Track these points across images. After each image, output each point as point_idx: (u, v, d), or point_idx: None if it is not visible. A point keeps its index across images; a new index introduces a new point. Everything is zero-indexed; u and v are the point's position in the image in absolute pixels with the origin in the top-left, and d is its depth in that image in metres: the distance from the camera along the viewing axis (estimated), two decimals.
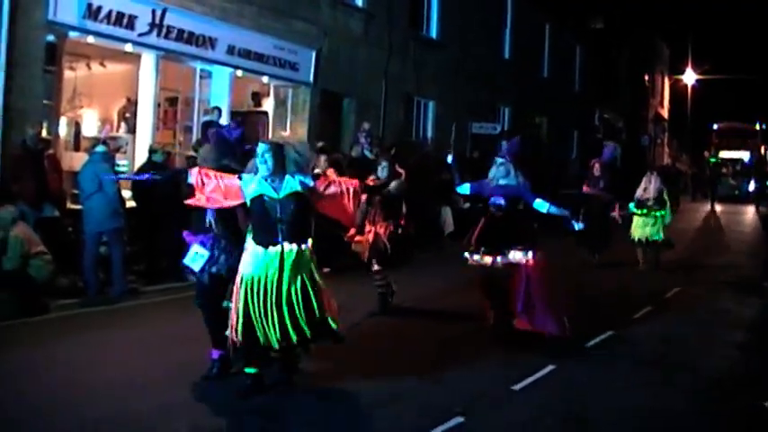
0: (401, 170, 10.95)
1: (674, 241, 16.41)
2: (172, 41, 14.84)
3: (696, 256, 18.57)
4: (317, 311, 6.95)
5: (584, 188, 16.42)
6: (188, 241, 7.55)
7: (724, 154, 45.70)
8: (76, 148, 15.71)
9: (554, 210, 9.39)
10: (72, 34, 13.54)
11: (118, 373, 7.61)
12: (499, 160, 9.57)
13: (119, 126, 16.66)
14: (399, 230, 10.39)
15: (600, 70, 37.66)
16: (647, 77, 49.08)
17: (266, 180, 6.99)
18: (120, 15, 13.73)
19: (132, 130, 15.69)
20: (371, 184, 9.87)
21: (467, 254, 9.54)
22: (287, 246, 6.89)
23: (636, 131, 45.39)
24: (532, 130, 30.44)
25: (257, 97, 18.93)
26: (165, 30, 14.59)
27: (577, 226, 9.49)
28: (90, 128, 16.52)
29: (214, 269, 7.40)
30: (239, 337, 6.85)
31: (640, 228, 15.83)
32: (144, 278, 12.34)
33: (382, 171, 10.51)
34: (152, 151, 13.18)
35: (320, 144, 15.71)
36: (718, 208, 35.26)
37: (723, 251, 20.32)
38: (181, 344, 8.60)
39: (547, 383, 7.94)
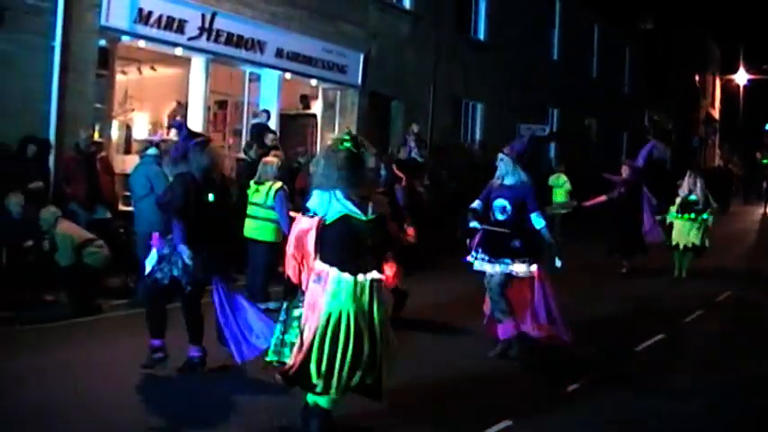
0: (401, 175, 10.57)
1: (709, 247, 15.03)
2: (221, 45, 14.98)
3: (747, 261, 18.27)
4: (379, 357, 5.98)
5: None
6: (152, 244, 7.67)
7: None
8: (127, 150, 15.93)
9: (544, 233, 8.66)
10: (124, 39, 13.74)
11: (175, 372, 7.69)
12: (500, 156, 8.85)
13: (169, 129, 16.84)
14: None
15: (649, 71, 37.25)
16: (697, 78, 48.43)
17: (347, 198, 5.92)
18: (171, 20, 13.90)
19: None
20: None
21: (470, 258, 8.86)
22: (376, 274, 5.99)
23: (686, 133, 44.81)
24: (582, 132, 30.24)
25: (306, 100, 19.02)
26: (214, 34, 14.74)
27: (558, 263, 8.66)
28: (141, 131, 16.74)
29: (159, 274, 7.47)
30: (319, 374, 5.76)
31: (684, 233, 14.65)
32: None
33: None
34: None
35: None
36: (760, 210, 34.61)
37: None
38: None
39: (596, 387, 7.86)
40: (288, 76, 16.98)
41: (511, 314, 8.60)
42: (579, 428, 6.85)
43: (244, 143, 15.72)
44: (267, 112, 15.91)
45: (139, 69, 16.42)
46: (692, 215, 14.56)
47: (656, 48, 37.43)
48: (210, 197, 7.55)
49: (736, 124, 53.62)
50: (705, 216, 14.65)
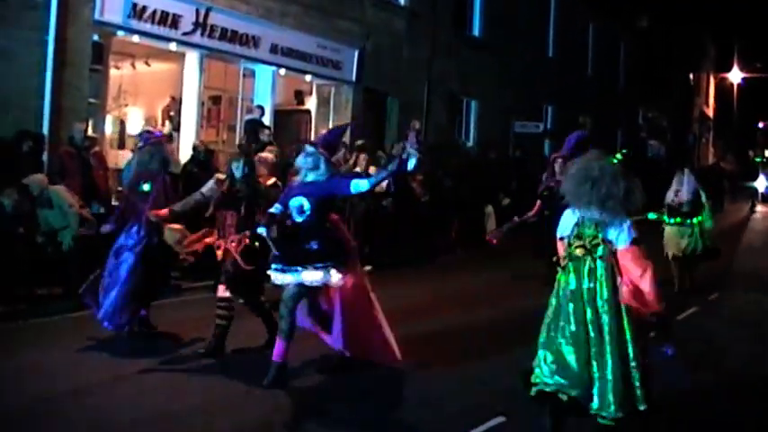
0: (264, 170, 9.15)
1: (719, 249, 13.67)
2: (216, 40, 14.96)
3: (738, 258, 18.26)
4: None
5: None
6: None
7: None
8: (121, 145, 15.90)
9: (381, 175, 8.18)
10: (118, 33, 13.70)
11: (156, 370, 7.68)
12: (309, 149, 7.66)
13: (163, 124, 16.80)
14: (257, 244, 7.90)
15: (644, 69, 37.26)
16: (691, 76, 48.49)
17: None
18: (165, 15, 13.88)
19: (176, 128, 15.83)
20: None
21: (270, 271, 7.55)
22: None
23: (681, 131, 44.88)
24: (577, 129, 30.24)
25: (300, 96, 19.00)
26: (208, 29, 14.72)
27: (411, 162, 7.78)
28: (135, 126, 16.69)
29: None
30: None
31: (675, 241, 12.97)
32: (187, 275, 12.41)
33: (237, 170, 8.42)
34: (195, 149, 13.27)
35: (360, 142, 15.73)
36: (760, 209, 34.62)
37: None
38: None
39: None
40: (282, 71, 16.96)
41: (289, 337, 7.31)
42: (572, 425, 6.84)
43: (238, 139, 15.72)
44: (261, 108, 15.89)
45: (133, 64, 16.39)
46: (679, 219, 12.94)
47: (651, 46, 37.44)
48: None
49: (731, 122, 53.70)
50: (696, 220, 12.96)
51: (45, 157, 12.09)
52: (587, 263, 6.00)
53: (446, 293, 12.20)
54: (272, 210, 7.52)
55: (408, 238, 15.82)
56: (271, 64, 16.51)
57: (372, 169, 14.78)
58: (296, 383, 7.34)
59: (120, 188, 12.35)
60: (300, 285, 7.31)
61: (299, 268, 7.27)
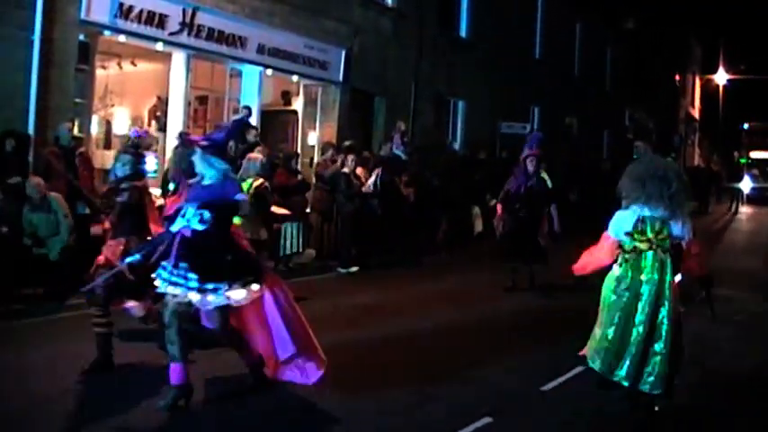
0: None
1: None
2: (202, 40, 14.90)
3: (722, 259, 18.29)
4: None
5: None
6: None
7: (755, 154, 44.78)
8: (107, 146, 15.84)
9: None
10: (104, 33, 13.64)
11: (140, 373, 7.65)
12: (195, 149, 6.94)
13: (149, 124, 16.76)
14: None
15: (631, 70, 37.40)
16: (677, 77, 48.68)
17: None
18: (152, 14, 13.82)
19: (163, 128, 15.78)
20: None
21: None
22: None
23: (667, 132, 45.03)
24: (563, 130, 30.34)
25: (287, 96, 18.97)
26: (195, 29, 14.66)
27: None
28: (121, 126, 16.64)
29: None
30: None
31: None
32: None
33: (122, 168, 7.83)
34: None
35: (348, 143, 15.73)
36: (744, 210, 34.73)
37: (752, 254, 20.06)
38: None
39: (577, 384, 7.88)
40: (269, 72, 16.92)
41: (185, 357, 6.69)
42: (560, 425, 6.87)
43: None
44: (248, 108, 15.84)
45: (120, 64, 16.32)
46: None
47: (637, 47, 37.57)
48: None
49: (717, 123, 53.91)
50: None
51: (30, 157, 12.01)
52: (651, 257, 6.71)
53: (433, 293, 12.23)
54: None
55: (396, 239, 15.83)
56: (257, 64, 16.47)
57: (360, 170, 14.81)
58: (279, 385, 7.32)
59: (105, 188, 12.32)
60: (189, 303, 6.56)
61: (222, 285, 6.50)
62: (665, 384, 6.72)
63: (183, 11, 14.37)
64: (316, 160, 17.14)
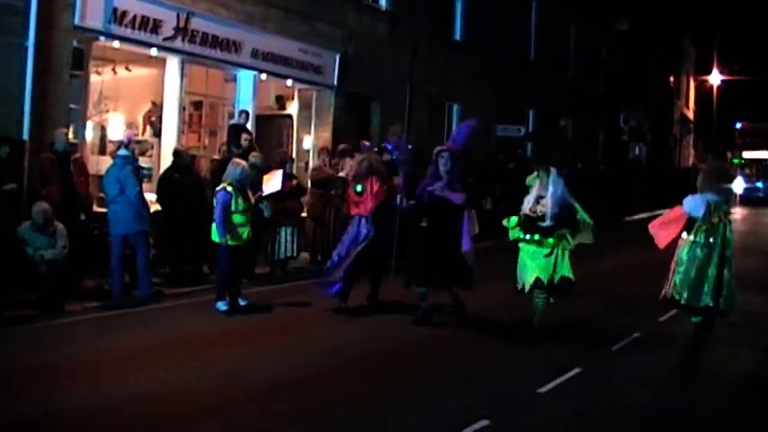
0: None
1: (574, 283, 9.95)
2: (197, 45, 14.90)
3: None
4: None
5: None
6: None
7: (747, 154, 44.69)
8: (102, 151, 15.81)
9: None
10: (99, 39, 13.63)
11: (144, 376, 7.65)
12: None
13: (144, 129, 16.74)
14: None
15: (625, 71, 37.46)
16: (672, 78, 48.77)
17: None
18: (146, 20, 13.81)
19: (158, 133, 15.77)
20: None
21: None
22: None
23: (662, 133, 45.10)
24: (558, 132, 30.41)
25: (282, 100, 18.96)
26: (189, 34, 14.65)
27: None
28: (116, 132, 16.60)
29: None
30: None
31: (528, 264, 9.89)
32: (169, 281, 12.40)
33: None
34: (176, 154, 13.23)
35: (342, 146, 15.69)
36: (738, 210, 34.75)
37: (747, 254, 20.06)
38: (204, 346, 8.68)
39: (573, 386, 7.90)
40: (263, 76, 16.91)
41: None
42: (555, 427, 6.88)
43: (220, 144, 15.69)
44: (246, 112, 15.85)
45: (114, 70, 16.27)
46: (537, 236, 9.84)
47: (631, 48, 37.64)
48: None
49: (711, 124, 53.99)
50: (552, 240, 9.80)
51: (25, 163, 12.00)
52: (721, 227, 9.65)
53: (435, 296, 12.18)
54: None
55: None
56: (252, 69, 16.46)
57: None
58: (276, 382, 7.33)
59: (101, 194, 12.32)
60: None
61: None
62: (732, 305, 9.66)
63: (178, 16, 14.37)
64: (311, 165, 17.14)
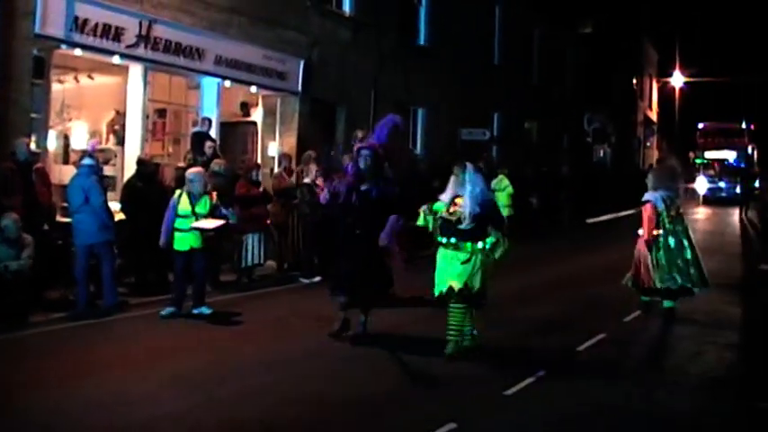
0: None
1: (486, 297, 9.15)
2: (159, 53, 14.81)
3: None
4: None
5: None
6: None
7: (710, 154, 45.01)
8: (66, 161, 15.68)
9: None
10: (60, 47, 13.51)
11: (110, 386, 7.59)
12: None
13: (108, 138, 16.61)
14: None
15: (589, 74, 37.75)
16: (635, 81, 49.25)
17: None
18: (108, 28, 13.71)
19: (121, 141, 15.66)
20: None
21: None
22: None
23: (626, 134, 45.49)
24: (523, 135, 30.57)
25: (246, 107, 18.91)
26: (152, 41, 14.57)
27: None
28: (79, 140, 16.47)
29: None
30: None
31: (446, 271, 9.02)
32: (134, 291, 12.31)
33: None
34: (140, 163, 13.15)
35: (310, 153, 15.67)
36: (701, 210, 35.09)
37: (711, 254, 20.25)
38: (170, 356, 8.64)
39: (538, 388, 7.94)
40: (227, 83, 16.85)
41: None
42: (522, 428, 6.91)
43: (184, 152, 15.62)
44: (209, 120, 15.80)
45: (76, 78, 16.15)
46: (453, 239, 8.97)
47: (594, 51, 37.95)
48: None
49: (674, 125, 54.61)
50: (471, 246, 8.92)
51: None
52: (678, 220, 11.76)
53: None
54: None
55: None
56: (216, 76, 16.40)
57: (320, 181, 14.74)
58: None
59: (64, 204, 12.19)
60: None
61: None
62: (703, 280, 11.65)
63: (140, 23, 14.29)
64: (275, 171, 17.09)
